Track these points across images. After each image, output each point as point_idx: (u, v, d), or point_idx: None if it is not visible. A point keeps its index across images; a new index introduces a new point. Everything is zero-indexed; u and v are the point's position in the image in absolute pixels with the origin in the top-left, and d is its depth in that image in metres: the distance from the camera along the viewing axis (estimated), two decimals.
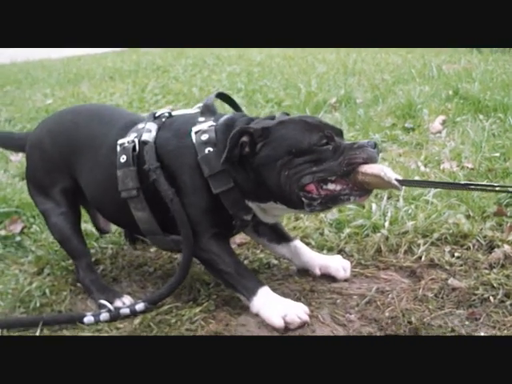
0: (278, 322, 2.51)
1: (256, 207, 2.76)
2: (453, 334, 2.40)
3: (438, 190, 3.56)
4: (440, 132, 5.19)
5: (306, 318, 2.55)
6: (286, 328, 2.51)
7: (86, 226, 3.61)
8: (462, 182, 3.08)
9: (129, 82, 10.17)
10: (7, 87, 11.39)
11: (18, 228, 3.86)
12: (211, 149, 2.67)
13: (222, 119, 2.79)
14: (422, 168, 4.20)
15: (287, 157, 2.55)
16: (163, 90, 8.77)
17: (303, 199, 2.55)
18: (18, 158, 5.51)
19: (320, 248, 3.24)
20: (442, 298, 2.69)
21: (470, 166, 4.11)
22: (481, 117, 5.38)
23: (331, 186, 2.54)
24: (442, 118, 5.49)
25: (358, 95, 6.94)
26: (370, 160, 2.51)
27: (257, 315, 2.61)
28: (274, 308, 2.56)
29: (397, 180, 2.43)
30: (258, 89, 7.85)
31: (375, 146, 2.57)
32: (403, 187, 2.56)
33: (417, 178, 3.87)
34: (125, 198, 2.82)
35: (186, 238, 2.69)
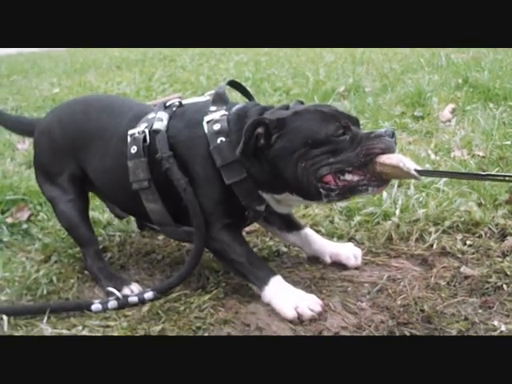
0: (290, 314, 2.48)
1: (270, 198, 2.72)
2: (466, 322, 2.37)
3: None
4: (450, 120, 5.15)
5: (318, 309, 2.50)
6: (299, 319, 2.47)
7: (94, 213, 3.59)
8: (483, 173, 3.02)
9: (136, 71, 10.17)
10: (14, 76, 11.43)
11: (24, 215, 3.84)
12: (223, 139, 2.63)
13: (234, 108, 2.76)
14: (433, 156, 4.16)
15: (304, 148, 2.51)
16: (170, 79, 8.76)
17: (321, 190, 2.52)
18: (25, 147, 5.50)
19: (330, 236, 3.21)
20: (455, 286, 2.66)
21: (480, 154, 4.07)
22: (491, 105, 5.33)
23: (349, 177, 2.50)
24: (451, 106, 5.44)
25: (367, 84, 6.91)
26: (388, 150, 2.47)
27: (268, 305, 2.58)
28: (286, 299, 2.52)
29: (416, 170, 2.38)
30: (265, 77, 7.85)
31: (393, 135, 2.52)
32: (422, 177, 2.52)
33: (427, 166, 3.83)
34: (136, 189, 2.80)
35: (198, 228, 2.67)
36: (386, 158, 2.43)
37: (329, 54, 9.52)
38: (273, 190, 2.68)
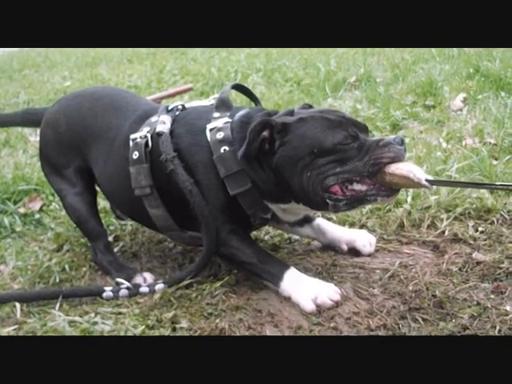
0: (309, 307, 2.46)
1: (276, 207, 2.71)
2: (478, 307, 2.36)
3: (461, 164, 3.53)
4: (461, 109, 5.14)
5: (337, 298, 2.49)
6: (318, 310, 2.46)
7: (106, 203, 3.59)
8: (498, 183, 2.97)
9: (147, 64, 10.18)
10: (26, 71, 11.49)
11: (37, 206, 3.87)
12: (227, 148, 2.60)
13: (237, 115, 2.72)
14: (444, 144, 4.15)
15: (309, 157, 2.46)
16: (182, 71, 8.76)
17: (328, 201, 2.47)
18: (37, 139, 5.51)
19: (342, 223, 3.20)
20: (467, 271, 2.65)
21: (492, 141, 4.06)
22: (502, 94, 5.31)
23: (357, 187, 2.46)
24: (462, 95, 5.42)
25: (378, 74, 6.89)
26: (398, 158, 2.40)
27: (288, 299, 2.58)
28: (304, 291, 2.51)
29: (427, 180, 2.32)
30: (276, 68, 7.81)
31: (402, 142, 2.46)
32: (434, 187, 2.47)
33: (439, 154, 3.83)
34: (138, 195, 2.79)
35: (207, 226, 2.63)
36: (395, 169, 2.37)
37: None
38: (278, 200, 2.66)
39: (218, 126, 2.66)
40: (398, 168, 2.37)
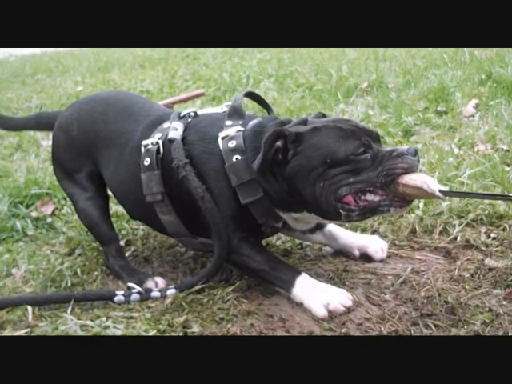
0: (322, 313, 2.46)
1: (287, 216, 2.70)
2: (490, 313, 2.35)
3: (473, 170, 3.51)
4: (473, 115, 5.12)
5: (349, 304, 2.48)
6: (330, 316, 2.46)
7: (118, 207, 3.60)
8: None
9: (159, 69, 10.21)
10: (38, 75, 11.55)
11: (49, 210, 3.88)
12: (239, 157, 2.59)
13: (250, 124, 2.71)
14: (456, 150, 4.13)
15: (322, 167, 2.45)
16: (193, 77, 8.77)
17: (340, 211, 2.46)
18: (49, 143, 5.53)
19: (354, 229, 3.19)
20: (479, 278, 2.64)
21: (505, 147, 4.04)
22: None
23: (370, 197, 2.45)
24: (474, 101, 5.41)
25: (390, 80, 6.87)
26: (411, 169, 2.39)
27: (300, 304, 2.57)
28: (316, 297, 2.50)
29: (440, 191, 2.31)
30: (288, 74, 7.81)
31: (415, 153, 2.45)
32: (447, 198, 2.47)
33: (451, 159, 3.81)
34: (150, 202, 2.79)
35: (218, 233, 2.63)
36: (408, 179, 2.37)
37: (351, 51, 9.44)
38: (290, 209, 2.65)
39: (231, 134, 2.65)
40: (411, 179, 2.37)
